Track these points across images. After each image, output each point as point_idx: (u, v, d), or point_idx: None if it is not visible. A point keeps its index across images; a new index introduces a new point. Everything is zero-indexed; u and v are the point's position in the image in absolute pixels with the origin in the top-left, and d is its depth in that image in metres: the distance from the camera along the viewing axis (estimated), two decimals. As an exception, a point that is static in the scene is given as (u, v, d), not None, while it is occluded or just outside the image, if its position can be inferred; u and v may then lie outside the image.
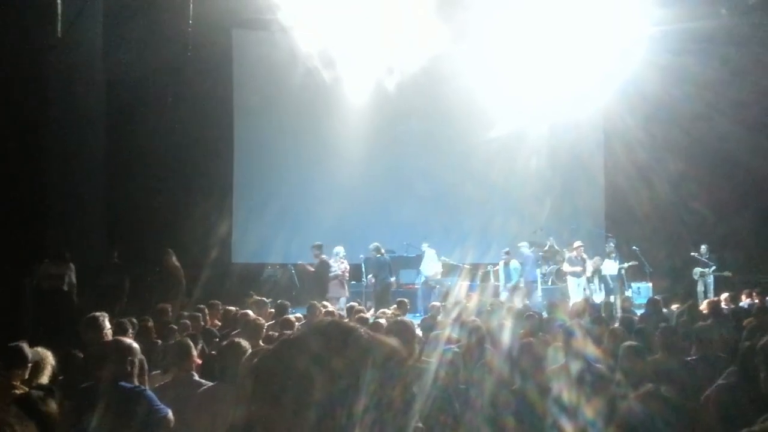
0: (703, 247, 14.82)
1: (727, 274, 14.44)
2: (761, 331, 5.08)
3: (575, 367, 4.17)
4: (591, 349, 4.30)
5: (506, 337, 5.47)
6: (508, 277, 13.93)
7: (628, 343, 4.82)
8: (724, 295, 11.07)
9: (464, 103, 14.93)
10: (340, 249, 12.86)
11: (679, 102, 14.90)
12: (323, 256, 12.61)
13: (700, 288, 14.41)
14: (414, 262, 14.65)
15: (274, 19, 13.24)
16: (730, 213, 15.74)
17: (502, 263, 14.12)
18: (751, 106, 14.87)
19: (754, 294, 11.33)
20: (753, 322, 6.83)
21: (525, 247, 14.40)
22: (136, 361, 3.97)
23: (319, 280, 12.49)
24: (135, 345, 4.07)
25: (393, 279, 13.73)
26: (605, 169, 17.65)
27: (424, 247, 14.36)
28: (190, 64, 13.44)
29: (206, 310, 8.47)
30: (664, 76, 14.48)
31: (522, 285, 13.73)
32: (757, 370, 2.53)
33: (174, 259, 11.21)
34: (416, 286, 14.55)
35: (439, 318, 8.02)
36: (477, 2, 13.49)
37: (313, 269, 12.74)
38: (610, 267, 14.34)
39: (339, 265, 12.71)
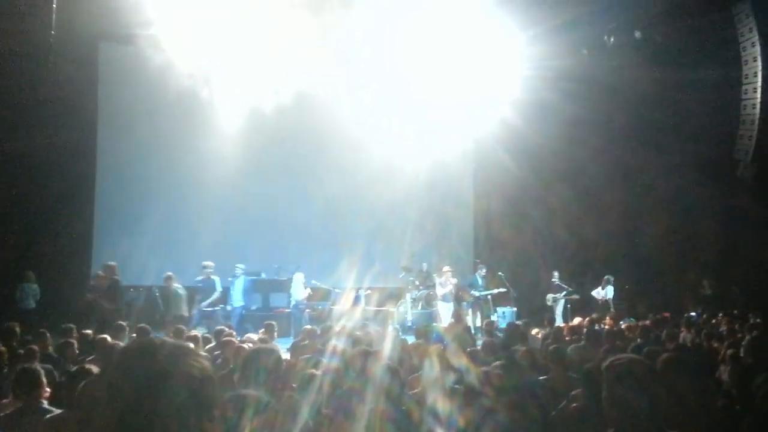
0: (556, 273, 15.65)
1: (575, 296, 15.29)
2: (613, 353, 5.43)
3: (449, 378, 4.30)
4: (464, 363, 4.44)
5: (387, 349, 5.61)
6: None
7: (500, 362, 5.04)
8: (578, 319, 11.72)
9: (341, 130, 14.93)
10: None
11: (544, 136, 15.73)
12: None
13: (558, 312, 15.15)
14: (285, 285, 14.46)
15: (145, 35, 12.80)
16: (589, 241, 16.74)
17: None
18: (608, 143, 15.98)
19: (607, 318, 12.06)
20: (606, 345, 7.27)
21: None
22: None
23: None
24: None
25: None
26: (475, 198, 18.32)
27: (296, 275, 14.14)
28: (51, 76, 12.67)
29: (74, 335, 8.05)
30: (532, 112, 15.27)
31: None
32: (600, 390, 2.68)
33: None
34: (287, 310, 14.33)
35: (307, 342, 8.00)
36: (356, 30, 13.69)
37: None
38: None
39: None
